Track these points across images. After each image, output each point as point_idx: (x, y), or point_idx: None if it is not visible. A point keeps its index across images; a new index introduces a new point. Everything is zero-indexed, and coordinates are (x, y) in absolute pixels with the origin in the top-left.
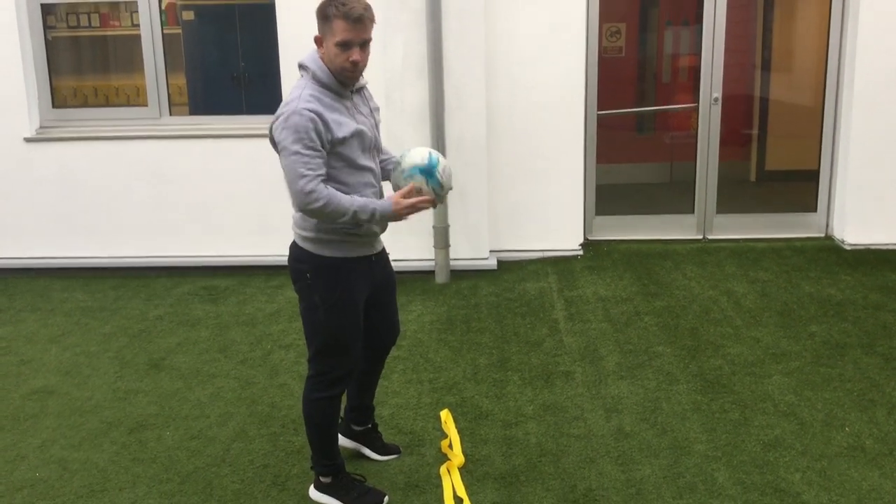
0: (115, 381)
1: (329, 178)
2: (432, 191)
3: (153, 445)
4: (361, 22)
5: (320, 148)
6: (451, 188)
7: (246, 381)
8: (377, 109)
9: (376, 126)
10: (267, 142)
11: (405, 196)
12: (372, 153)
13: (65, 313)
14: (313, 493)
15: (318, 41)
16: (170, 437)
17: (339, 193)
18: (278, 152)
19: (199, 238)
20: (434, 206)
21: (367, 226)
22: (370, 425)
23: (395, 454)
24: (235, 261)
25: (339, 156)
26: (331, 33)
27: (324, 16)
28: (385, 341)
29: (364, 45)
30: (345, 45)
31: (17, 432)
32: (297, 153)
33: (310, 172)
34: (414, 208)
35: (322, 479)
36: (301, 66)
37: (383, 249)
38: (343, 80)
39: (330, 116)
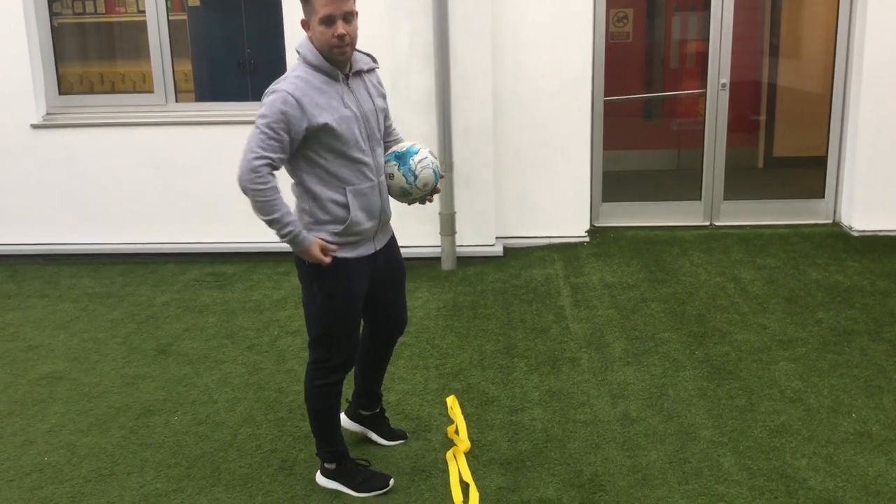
0: (123, 367)
1: (320, 168)
2: (404, 178)
3: (161, 430)
4: None
5: (284, 135)
6: (429, 186)
7: (253, 367)
8: (383, 96)
9: (377, 113)
10: None
11: (323, 250)
12: (369, 143)
13: (73, 299)
14: (320, 478)
15: (305, 24)
16: (177, 422)
17: (280, 196)
18: None
19: (206, 224)
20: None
21: (285, 229)
22: (378, 410)
23: (401, 439)
24: (242, 247)
25: (326, 145)
26: (313, 12)
27: None
28: (392, 331)
29: (348, 17)
30: (328, 20)
31: (26, 417)
32: (259, 128)
33: (260, 151)
34: (320, 258)
35: (326, 465)
36: (297, 51)
37: (390, 241)
38: (334, 59)
39: (312, 100)
